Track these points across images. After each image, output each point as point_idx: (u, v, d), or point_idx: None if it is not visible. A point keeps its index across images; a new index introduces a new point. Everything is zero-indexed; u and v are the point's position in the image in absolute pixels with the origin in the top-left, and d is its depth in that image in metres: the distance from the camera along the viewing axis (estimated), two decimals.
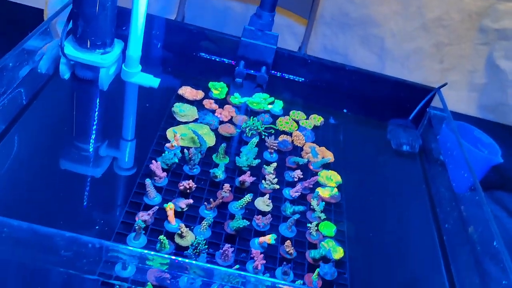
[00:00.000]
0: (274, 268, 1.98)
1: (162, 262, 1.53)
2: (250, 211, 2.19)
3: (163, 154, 2.29)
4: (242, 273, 1.51)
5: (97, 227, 1.98)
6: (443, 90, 3.04)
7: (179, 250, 1.93)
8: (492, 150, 3.13)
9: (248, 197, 2.14)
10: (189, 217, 2.09)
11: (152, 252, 1.56)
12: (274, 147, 2.48)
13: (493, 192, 3.10)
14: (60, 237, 1.51)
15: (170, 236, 1.98)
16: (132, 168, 2.28)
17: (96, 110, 2.63)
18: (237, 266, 1.86)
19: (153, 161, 2.19)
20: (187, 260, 1.52)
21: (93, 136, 2.44)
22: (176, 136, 2.37)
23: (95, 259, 1.55)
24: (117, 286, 1.67)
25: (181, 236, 1.97)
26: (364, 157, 2.78)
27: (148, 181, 2.08)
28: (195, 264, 1.52)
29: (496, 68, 3.52)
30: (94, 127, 2.49)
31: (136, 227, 1.90)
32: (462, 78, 3.39)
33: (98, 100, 2.70)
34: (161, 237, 1.89)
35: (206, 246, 1.93)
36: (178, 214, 2.07)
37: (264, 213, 2.18)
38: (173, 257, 1.54)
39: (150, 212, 2.01)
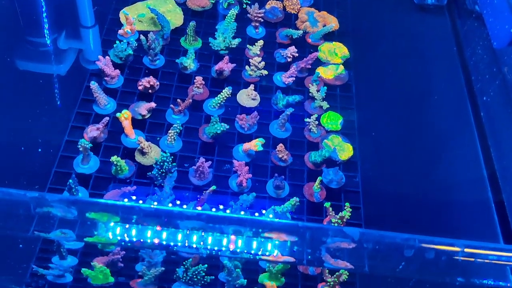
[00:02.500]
0: (265, 181, 1.56)
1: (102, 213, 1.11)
2: (233, 109, 1.72)
3: (114, 45, 1.77)
4: (210, 213, 1.10)
5: (39, 150, 1.57)
6: None
7: (142, 172, 1.53)
8: None
9: (227, 91, 1.66)
10: (153, 126, 1.64)
11: (93, 200, 1.13)
12: (260, 19, 1.92)
13: None
14: None
15: (130, 154, 1.56)
16: (76, 69, 1.79)
17: None
18: (213, 188, 1.45)
19: (100, 57, 1.69)
20: (133, 204, 1.10)
21: (20, 28, 1.92)
22: (129, 19, 1.82)
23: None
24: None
25: (142, 152, 1.55)
26: (378, 18, 2.18)
27: (94, 84, 1.61)
28: (144, 209, 1.10)
29: None
30: (26, 15, 1.96)
31: (81, 149, 1.47)
32: None
33: None
34: (114, 158, 1.47)
35: (175, 164, 1.51)
36: (138, 124, 1.63)
37: (249, 111, 1.71)
38: (108, 202, 1.12)
39: (100, 125, 1.57)
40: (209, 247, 1.19)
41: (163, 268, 1.34)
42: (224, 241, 1.17)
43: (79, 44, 1.92)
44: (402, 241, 1.08)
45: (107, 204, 1.12)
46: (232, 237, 1.20)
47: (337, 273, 1.37)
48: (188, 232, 1.16)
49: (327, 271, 1.40)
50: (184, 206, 1.46)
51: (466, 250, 1.09)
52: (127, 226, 1.18)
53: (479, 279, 1.19)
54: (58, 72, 1.81)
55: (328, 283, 1.39)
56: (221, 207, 1.48)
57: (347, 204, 1.48)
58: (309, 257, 1.14)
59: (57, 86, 1.76)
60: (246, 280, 1.36)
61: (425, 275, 1.18)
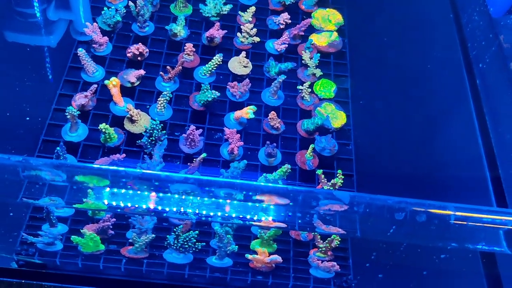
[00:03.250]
0: (257, 149, 1.55)
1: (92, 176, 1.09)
2: (224, 77, 1.69)
3: (102, 12, 1.73)
4: (195, 177, 1.08)
5: (27, 119, 1.54)
6: None
7: (131, 140, 1.50)
8: None
9: (218, 58, 1.62)
10: (143, 94, 1.61)
11: (78, 164, 1.11)
12: None
13: None
14: None
15: (120, 122, 1.54)
16: (64, 37, 1.75)
17: None
18: (204, 155, 1.43)
19: (88, 23, 1.65)
20: (121, 169, 1.08)
21: None
22: None
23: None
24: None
25: (131, 120, 1.53)
26: None
27: (81, 51, 1.57)
28: (132, 173, 1.08)
29: None
30: None
31: (68, 116, 1.45)
32: None
33: None
34: (103, 126, 1.44)
35: (164, 132, 1.49)
36: (127, 91, 1.60)
37: (241, 78, 1.68)
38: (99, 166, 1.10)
39: (88, 93, 1.54)
40: (198, 210, 1.17)
41: (153, 235, 1.33)
42: (215, 206, 1.16)
43: (69, 15, 1.87)
44: (393, 203, 1.06)
45: (92, 168, 1.09)
46: (224, 203, 1.18)
47: (328, 239, 1.36)
48: (178, 196, 1.14)
49: (319, 236, 1.39)
50: None
51: (457, 213, 1.08)
52: (116, 190, 1.17)
53: (471, 243, 1.18)
54: (49, 44, 1.77)
55: (320, 249, 1.38)
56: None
57: (339, 171, 1.46)
58: (300, 221, 1.13)
59: (45, 53, 1.72)
60: (237, 247, 1.35)
61: (416, 239, 1.18)
